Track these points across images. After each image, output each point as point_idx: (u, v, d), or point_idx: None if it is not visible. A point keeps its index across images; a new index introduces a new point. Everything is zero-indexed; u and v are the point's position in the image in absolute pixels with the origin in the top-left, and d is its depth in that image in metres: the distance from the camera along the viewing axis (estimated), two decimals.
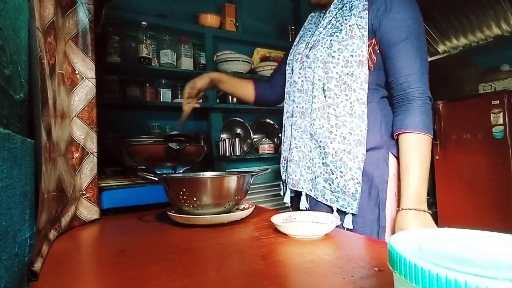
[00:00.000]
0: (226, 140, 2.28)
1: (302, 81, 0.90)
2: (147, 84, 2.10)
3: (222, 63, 2.31)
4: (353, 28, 0.80)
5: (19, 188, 0.36)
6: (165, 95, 2.16)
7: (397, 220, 0.75)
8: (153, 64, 2.05)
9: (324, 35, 0.86)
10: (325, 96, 0.83)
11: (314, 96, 0.85)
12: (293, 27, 2.75)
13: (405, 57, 0.76)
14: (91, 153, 0.76)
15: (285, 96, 1.00)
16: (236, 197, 0.72)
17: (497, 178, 2.72)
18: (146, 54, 1.97)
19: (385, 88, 0.85)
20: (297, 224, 0.63)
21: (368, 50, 0.80)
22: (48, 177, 0.50)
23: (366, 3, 0.80)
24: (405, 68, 0.76)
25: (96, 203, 0.77)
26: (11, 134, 0.34)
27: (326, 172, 0.83)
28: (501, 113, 2.70)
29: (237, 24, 2.49)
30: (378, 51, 0.81)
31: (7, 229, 0.33)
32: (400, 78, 0.77)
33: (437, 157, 3.18)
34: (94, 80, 0.76)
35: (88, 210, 0.75)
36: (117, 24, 1.97)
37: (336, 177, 0.81)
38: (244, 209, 0.77)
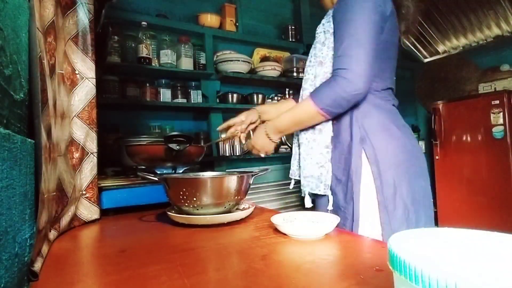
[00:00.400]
0: (226, 140, 2.28)
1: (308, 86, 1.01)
2: (147, 84, 2.10)
3: (222, 63, 2.31)
4: (319, 35, 0.91)
5: (19, 188, 0.36)
6: (165, 95, 2.16)
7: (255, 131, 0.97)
8: (153, 64, 2.05)
9: (318, 38, 0.96)
10: (302, 96, 0.96)
11: (302, 96, 0.97)
12: (293, 27, 2.75)
13: (336, 42, 0.83)
14: (91, 153, 0.76)
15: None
16: (236, 197, 0.72)
17: (497, 178, 2.72)
18: (146, 54, 1.97)
19: None
20: (297, 224, 0.63)
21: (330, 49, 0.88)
22: (48, 177, 0.50)
23: (331, 12, 0.89)
24: (335, 53, 0.83)
25: (96, 203, 0.77)
26: (11, 134, 0.34)
27: (302, 162, 0.94)
28: (501, 113, 2.71)
29: (237, 24, 2.49)
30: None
31: (7, 229, 0.33)
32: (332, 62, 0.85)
33: (437, 157, 3.18)
34: (94, 80, 0.76)
35: (88, 210, 0.75)
36: (117, 24, 1.97)
37: (307, 164, 0.91)
38: (244, 209, 0.77)
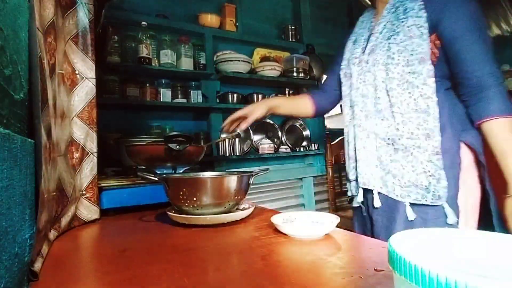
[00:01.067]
0: (226, 140, 2.28)
1: (362, 85, 0.93)
2: (147, 84, 2.10)
3: (222, 63, 2.31)
4: (411, 29, 0.83)
5: (19, 188, 0.36)
6: (165, 95, 2.16)
7: (506, 207, 0.76)
8: (153, 64, 2.05)
9: (381, 39, 0.89)
10: (388, 96, 0.86)
11: (378, 97, 0.88)
12: (293, 27, 2.75)
13: (472, 48, 0.79)
14: (91, 153, 0.76)
15: (344, 100, 1.02)
16: (236, 197, 0.72)
17: None
18: (146, 54, 1.97)
19: (449, 80, 0.87)
20: (297, 224, 0.63)
21: (430, 45, 0.82)
22: (48, 177, 0.50)
23: (422, 3, 0.83)
24: (474, 58, 0.79)
25: (96, 203, 0.77)
26: (11, 134, 0.34)
27: (395, 168, 0.86)
28: None
29: (237, 24, 2.49)
30: (440, 45, 0.83)
31: (7, 229, 0.33)
32: (470, 68, 0.79)
33: None
34: (94, 80, 0.76)
35: (88, 210, 0.75)
36: (117, 24, 1.97)
37: (408, 172, 0.83)
38: (244, 209, 0.77)
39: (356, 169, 0.96)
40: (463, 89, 0.83)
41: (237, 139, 2.31)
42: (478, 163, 0.85)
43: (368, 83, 0.91)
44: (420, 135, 0.82)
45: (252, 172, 0.78)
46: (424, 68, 0.81)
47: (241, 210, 0.75)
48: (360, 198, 0.96)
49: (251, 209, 0.76)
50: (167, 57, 2.10)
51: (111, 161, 1.38)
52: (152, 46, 2.05)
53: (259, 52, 2.67)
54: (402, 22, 0.85)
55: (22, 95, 0.39)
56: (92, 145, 0.76)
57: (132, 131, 2.02)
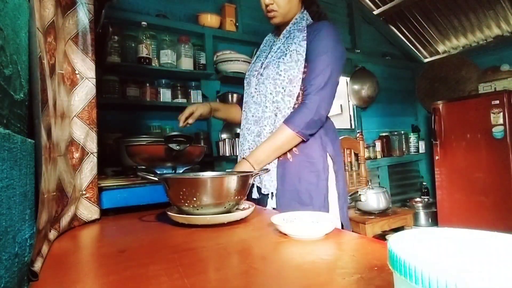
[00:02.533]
0: (226, 140, 2.28)
1: (257, 94, 1.10)
2: (147, 84, 2.10)
3: (222, 63, 2.31)
4: (293, 53, 1.02)
5: (19, 188, 0.36)
6: (165, 95, 2.16)
7: (237, 164, 1.04)
8: (153, 64, 2.05)
9: (274, 57, 1.07)
10: (273, 107, 1.04)
11: (266, 106, 1.06)
12: None
13: (311, 71, 0.99)
14: (91, 153, 0.76)
15: (243, 105, 1.19)
16: (236, 197, 0.72)
17: (497, 178, 2.72)
18: (146, 54, 1.97)
19: None
20: (297, 224, 0.63)
21: (306, 70, 1.02)
22: (48, 177, 0.50)
23: (305, 34, 1.03)
24: (308, 80, 0.99)
25: (96, 203, 0.77)
26: (11, 134, 0.34)
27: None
28: (501, 113, 2.71)
29: (237, 24, 2.49)
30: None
31: (7, 229, 0.33)
32: (305, 87, 1.00)
33: (437, 157, 3.18)
34: (94, 80, 0.76)
35: (88, 210, 0.75)
36: (117, 24, 1.97)
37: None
38: (244, 209, 0.77)
39: None
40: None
41: (237, 139, 2.31)
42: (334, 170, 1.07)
43: (261, 93, 1.08)
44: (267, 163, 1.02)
45: (252, 172, 0.78)
46: (295, 88, 1.01)
47: (241, 210, 0.75)
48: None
49: (251, 209, 0.76)
50: (167, 57, 2.10)
51: (111, 161, 1.38)
52: (152, 46, 2.05)
53: None
54: (289, 46, 1.04)
55: (22, 95, 0.39)
56: (92, 145, 0.76)
57: (132, 131, 2.02)
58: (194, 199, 0.67)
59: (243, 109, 1.19)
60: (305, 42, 1.01)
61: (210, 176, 0.76)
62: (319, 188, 1.00)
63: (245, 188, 0.74)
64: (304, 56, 1.01)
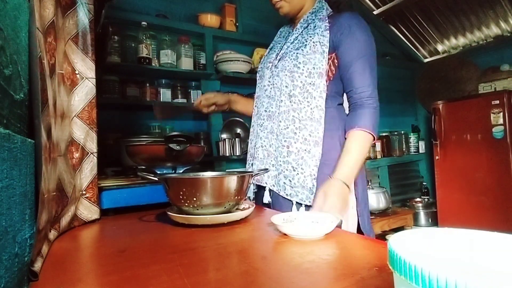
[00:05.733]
0: (226, 140, 2.28)
1: (271, 88, 1.01)
2: (147, 84, 2.10)
3: (222, 63, 2.31)
4: (316, 45, 0.93)
5: (19, 188, 0.36)
6: (165, 95, 2.16)
7: (325, 184, 0.87)
8: (153, 64, 2.05)
9: (291, 48, 0.98)
10: (290, 102, 0.95)
11: (281, 100, 0.96)
12: None
13: (361, 73, 0.92)
14: (91, 153, 0.76)
15: (255, 100, 1.10)
16: (236, 197, 0.72)
17: (497, 178, 2.72)
18: (146, 54, 1.97)
19: (342, 96, 1.01)
20: (297, 224, 0.63)
21: (328, 63, 0.94)
22: (48, 177, 0.50)
23: (328, 24, 0.95)
24: (360, 83, 0.91)
25: (96, 203, 0.77)
26: (11, 134, 0.34)
27: (287, 169, 0.93)
28: (501, 113, 2.70)
29: (237, 24, 2.48)
30: (337, 65, 0.95)
31: (7, 229, 0.33)
32: (356, 90, 0.92)
33: (437, 157, 3.18)
34: (94, 80, 0.76)
35: (88, 210, 0.75)
36: (117, 24, 1.97)
37: (297, 174, 0.92)
38: (244, 209, 0.77)
39: (252, 167, 1.04)
40: (349, 104, 0.96)
41: (237, 139, 2.31)
42: None
43: (275, 87, 0.99)
44: (311, 141, 0.92)
45: (252, 172, 0.78)
46: (321, 83, 0.92)
47: (241, 210, 0.75)
48: (250, 193, 1.06)
49: (251, 209, 0.76)
50: (167, 57, 2.10)
51: (111, 161, 1.38)
52: (152, 46, 2.05)
53: (259, 52, 2.67)
54: (310, 36, 0.95)
55: (22, 95, 0.39)
56: (92, 145, 0.76)
57: (132, 131, 2.02)
58: (194, 199, 0.67)
59: (254, 104, 1.10)
60: (328, 32, 0.93)
61: (210, 176, 0.76)
62: None
63: (244, 188, 0.74)
64: (329, 48, 0.93)
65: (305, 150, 0.91)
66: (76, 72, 0.74)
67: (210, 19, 2.35)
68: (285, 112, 0.95)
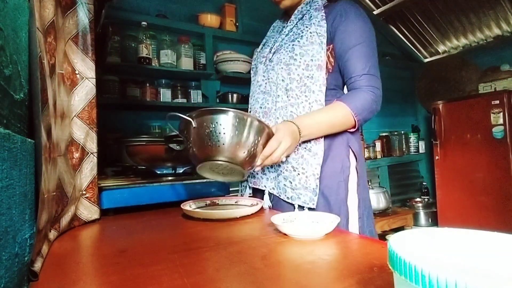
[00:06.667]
0: None
1: (265, 83, 0.95)
2: (147, 84, 2.10)
3: (222, 63, 2.31)
4: (313, 35, 0.87)
5: (19, 188, 0.36)
6: (165, 95, 2.16)
7: (281, 124, 0.79)
8: (153, 64, 2.05)
9: (287, 40, 0.92)
10: (287, 96, 0.88)
11: (278, 95, 0.89)
12: None
13: (357, 59, 0.85)
14: (91, 153, 0.76)
15: (250, 99, 1.04)
16: (251, 151, 0.69)
17: (497, 178, 2.72)
18: (146, 54, 1.97)
19: (342, 90, 0.94)
20: (297, 224, 0.63)
21: (326, 54, 0.88)
22: (48, 177, 0.50)
23: (324, 14, 0.89)
24: (357, 70, 0.85)
25: (96, 203, 0.77)
26: (11, 134, 0.34)
27: (287, 170, 0.86)
28: (501, 113, 2.70)
29: (237, 24, 2.48)
30: (334, 55, 0.89)
31: (7, 229, 0.33)
32: (353, 78, 0.85)
33: (437, 157, 3.18)
34: (94, 80, 0.76)
35: (88, 210, 0.75)
36: (117, 24, 1.97)
37: (298, 174, 0.84)
38: (252, 205, 0.78)
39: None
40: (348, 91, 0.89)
41: None
42: (356, 169, 0.90)
43: (271, 81, 0.93)
44: (312, 138, 0.84)
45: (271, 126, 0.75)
46: (321, 76, 0.86)
47: (249, 206, 0.76)
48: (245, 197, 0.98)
49: (260, 205, 0.77)
50: (167, 57, 2.10)
51: (111, 161, 1.38)
52: (152, 46, 2.05)
53: None
54: (306, 27, 0.89)
55: (22, 95, 0.39)
56: (92, 145, 0.76)
57: (132, 131, 2.02)
58: (219, 140, 0.65)
59: (249, 102, 1.04)
60: (325, 22, 0.87)
61: (239, 111, 0.70)
62: (337, 190, 0.86)
63: (259, 149, 0.71)
64: (326, 38, 0.87)
65: (305, 148, 0.84)
66: (76, 72, 0.74)
67: (210, 19, 2.35)
68: (282, 108, 0.88)
